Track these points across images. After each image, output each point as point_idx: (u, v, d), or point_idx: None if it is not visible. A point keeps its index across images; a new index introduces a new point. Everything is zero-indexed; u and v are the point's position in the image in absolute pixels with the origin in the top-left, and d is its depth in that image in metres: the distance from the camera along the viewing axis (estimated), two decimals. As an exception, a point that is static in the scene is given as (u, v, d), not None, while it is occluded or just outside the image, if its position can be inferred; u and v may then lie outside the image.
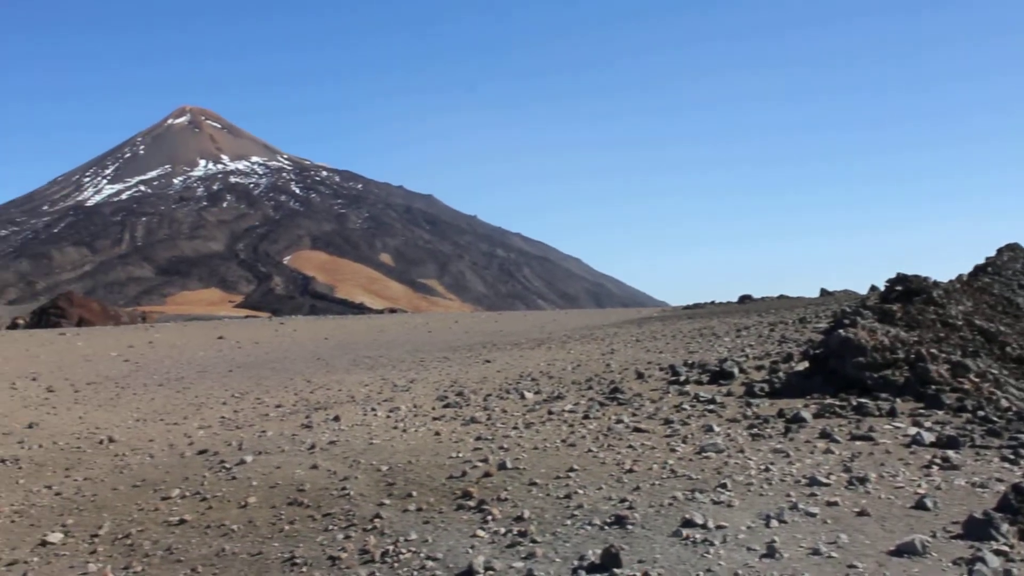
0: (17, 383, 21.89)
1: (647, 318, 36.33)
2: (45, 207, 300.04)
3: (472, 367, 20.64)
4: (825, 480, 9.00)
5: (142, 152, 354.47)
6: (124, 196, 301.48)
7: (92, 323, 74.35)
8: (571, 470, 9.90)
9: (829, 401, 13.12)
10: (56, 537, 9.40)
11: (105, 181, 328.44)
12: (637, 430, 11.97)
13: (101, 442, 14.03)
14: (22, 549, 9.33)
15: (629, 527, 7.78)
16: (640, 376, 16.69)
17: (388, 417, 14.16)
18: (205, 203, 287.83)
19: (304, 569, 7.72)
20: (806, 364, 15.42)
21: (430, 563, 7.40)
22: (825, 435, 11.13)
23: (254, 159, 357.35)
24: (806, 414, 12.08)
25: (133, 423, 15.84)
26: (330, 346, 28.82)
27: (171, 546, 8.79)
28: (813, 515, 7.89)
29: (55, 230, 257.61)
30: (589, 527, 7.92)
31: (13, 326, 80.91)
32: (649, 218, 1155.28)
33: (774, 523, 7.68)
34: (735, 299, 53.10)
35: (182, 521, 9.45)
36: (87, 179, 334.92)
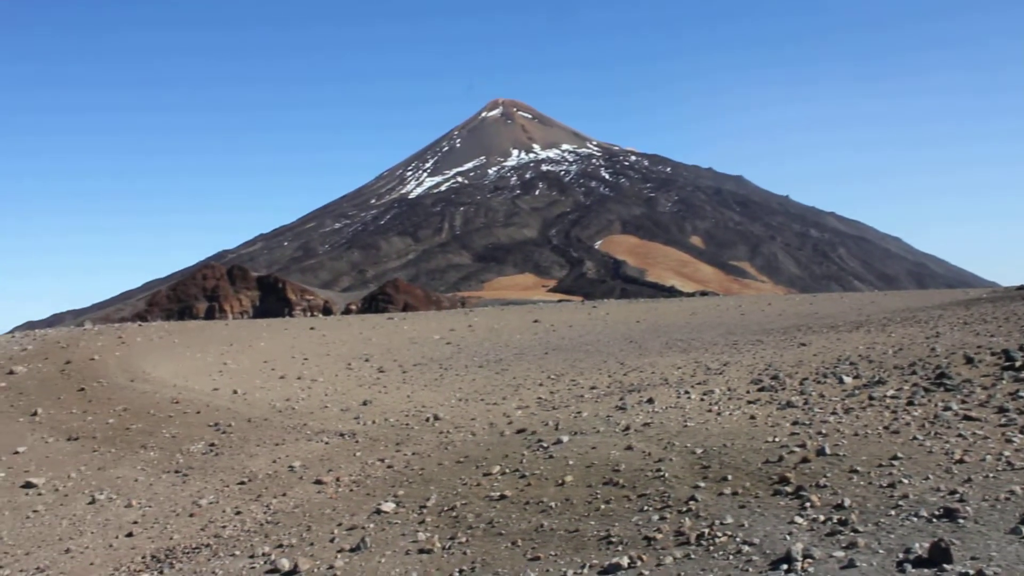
0: (352, 364, 23.52)
1: (975, 299, 34.02)
2: (373, 200, 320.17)
3: (787, 350, 20.10)
4: None
5: (458, 145, 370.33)
6: (443, 188, 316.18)
7: (416, 308, 78.71)
8: (894, 458, 9.43)
9: None
10: (389, 506, 10.05)
11: (425, 174, 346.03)
12: (967, 418, 11.22)
13: (427, 420, 14.83)
14: (360, 516, 10.04)
15: (960, 521, 7.32)
16: (969, 361, 15.63)
17: (702, 400, 14.07)
18: (518, 191, 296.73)
19: (620, 548, 7.82)
20: None
21: (746, 548, 7.30)
22: None
23: (564, 147, 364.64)
24: None
25: (456, 402, 16.61)
26: (642, 329, 28.98)
27: (493, 520, 9.17)
28: None
29: (382, 222, 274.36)
30: (915, 519, 7.52)
31: (347, 311, 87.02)
32: (977, 191, 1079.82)
33: None
34: (1079, 278, 48.61)
35: (503, 496, 9.83)
36: (409, 173, 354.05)
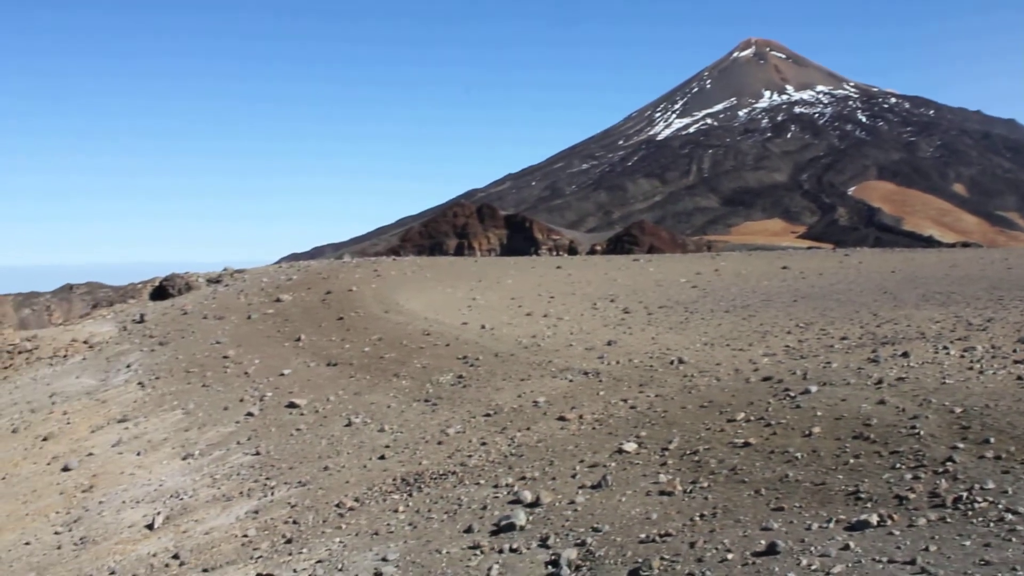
0: (598, 304, 23.67)
1: None
2: (620, 142, 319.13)
3: (1060, 308, 18.68)
4: None
5: (708, 86, 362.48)
6: (692, 130, 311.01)
7: (661, 250, 78.21)
8: None
9: None
10: (631, 447, 10.09)
11: (674, 116, 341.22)
12: None
13: (671, 362, 14.74)
14: (601, 454, 10.14)
15: None
16: None
17: (962, 357, 13.28)
18: (769, 134, 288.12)
19: (868, 505, 7.54)
20: None
21: (1010, 516, 6.87)
22: None
23: (819, 88, 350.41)
24: None
25: (701, 346, 16.43)
26: (897, 280, 27.66)
27: (736, 467, 9.04)
28: None
29: (629, 163, 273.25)
30: None
31: (592, 251, 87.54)
32: None
33: None
34: None
35: (746, 444, 9.66)
36: (658, 114, 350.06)
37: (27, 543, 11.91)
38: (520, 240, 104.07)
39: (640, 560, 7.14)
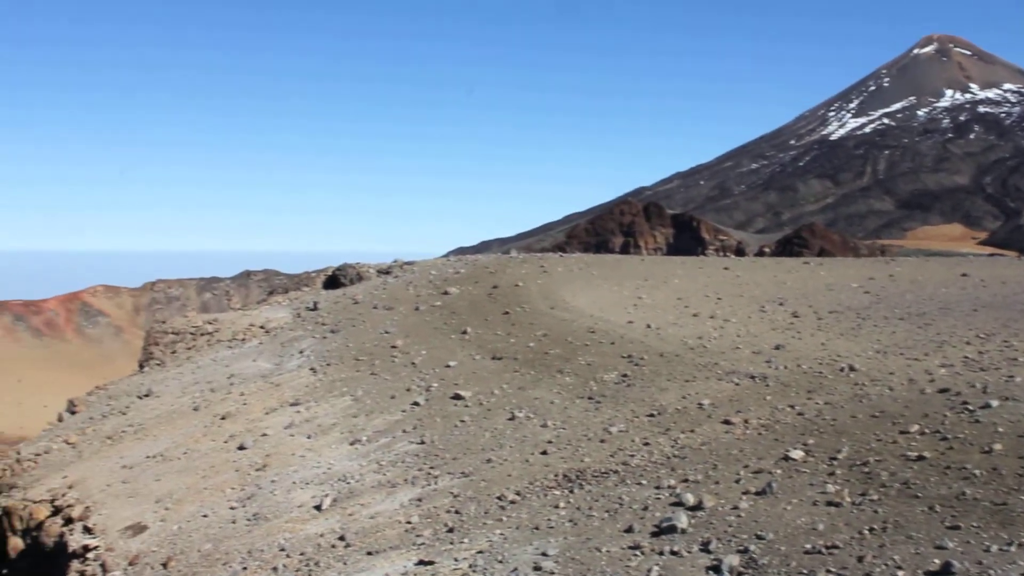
0: (766, 307, 23.19)
1: None
2: (792, 141, 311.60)
3: None
4: None
5: (886, 84, 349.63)
6: (867, 129, 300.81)
7: (832, 254, 76.10)
8: None
9: None
10: (798, 454, 9.86)
11: (849, 115, 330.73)
12: None
13: (842, 370, 14.32)
14: (767, 460, 9.95)
15: None
16: None
17: None
18: (950, 135, 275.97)
19: (1056, 528, 7.18)
20: None
21: None
22: None
23: (1006, 87, 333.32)
24: None
25: (873, 354, 15.91)
26: (1088, 291, 26.10)
27: (908, 481, 8.73)
28: None
29: (800, 163, 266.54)
30: None
31: (760, 253, 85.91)
32: None
33: None
34: None
35: (920, 457, 9.32)
36: (832, 113, 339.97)
37: (204, 515, 12.49)
38: (687, 240, 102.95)
39: (805, 571, 6.99)
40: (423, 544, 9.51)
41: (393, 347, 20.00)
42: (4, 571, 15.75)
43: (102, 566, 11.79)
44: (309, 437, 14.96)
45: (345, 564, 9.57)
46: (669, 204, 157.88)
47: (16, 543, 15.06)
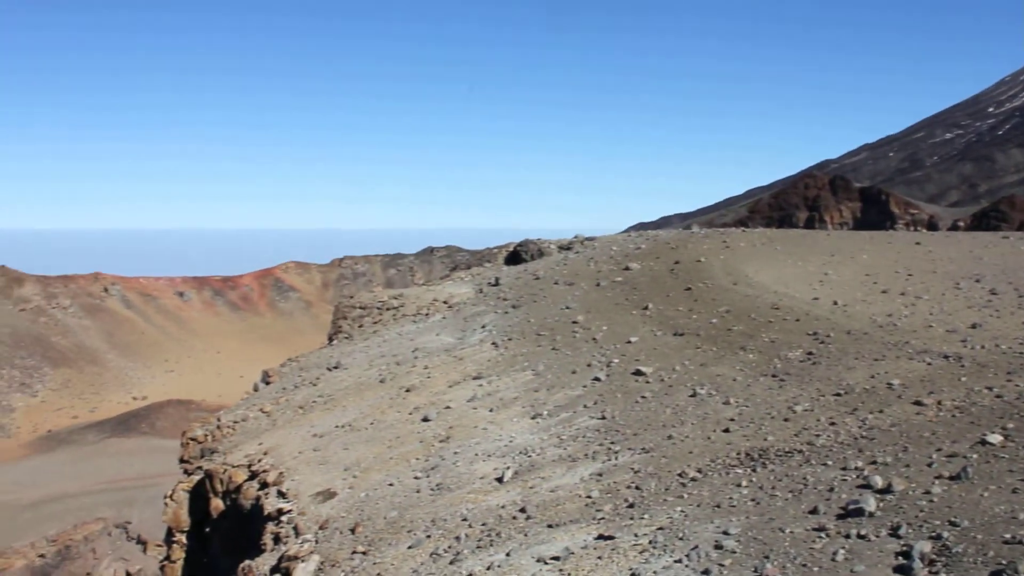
0: (961, 283, 22.17)
1: None
2: (991, 108, 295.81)
3: None
4: None
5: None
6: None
7: (1035, 228, 71.97)
8: None
9: None
10: (996, 439, 9.40)
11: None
12: None
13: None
14: (962, 444, 9.53)
15: None
16: None
17: None
18: None
19: None
20: None
21: None
22: None
23: None
24: None
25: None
26: None
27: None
28: None
29: (999, 132, 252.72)
30: None
31: (954, 227, 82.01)
32: None
33: None
34: None
35: None
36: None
37: (390, 484, 12.89)
38: (875, 214, 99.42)
39: (1004, 562, 6.68)
40: (603, 519, 9.55)
41: (574, 322, 20.11)
42: (206, 529, 16.70)
43: (295, 529, 12.33)
44: (491, 410, 15.22)
45: (526, 536, 9.70)
46: (856, 177, 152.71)
47: (217, 504, 15.92)
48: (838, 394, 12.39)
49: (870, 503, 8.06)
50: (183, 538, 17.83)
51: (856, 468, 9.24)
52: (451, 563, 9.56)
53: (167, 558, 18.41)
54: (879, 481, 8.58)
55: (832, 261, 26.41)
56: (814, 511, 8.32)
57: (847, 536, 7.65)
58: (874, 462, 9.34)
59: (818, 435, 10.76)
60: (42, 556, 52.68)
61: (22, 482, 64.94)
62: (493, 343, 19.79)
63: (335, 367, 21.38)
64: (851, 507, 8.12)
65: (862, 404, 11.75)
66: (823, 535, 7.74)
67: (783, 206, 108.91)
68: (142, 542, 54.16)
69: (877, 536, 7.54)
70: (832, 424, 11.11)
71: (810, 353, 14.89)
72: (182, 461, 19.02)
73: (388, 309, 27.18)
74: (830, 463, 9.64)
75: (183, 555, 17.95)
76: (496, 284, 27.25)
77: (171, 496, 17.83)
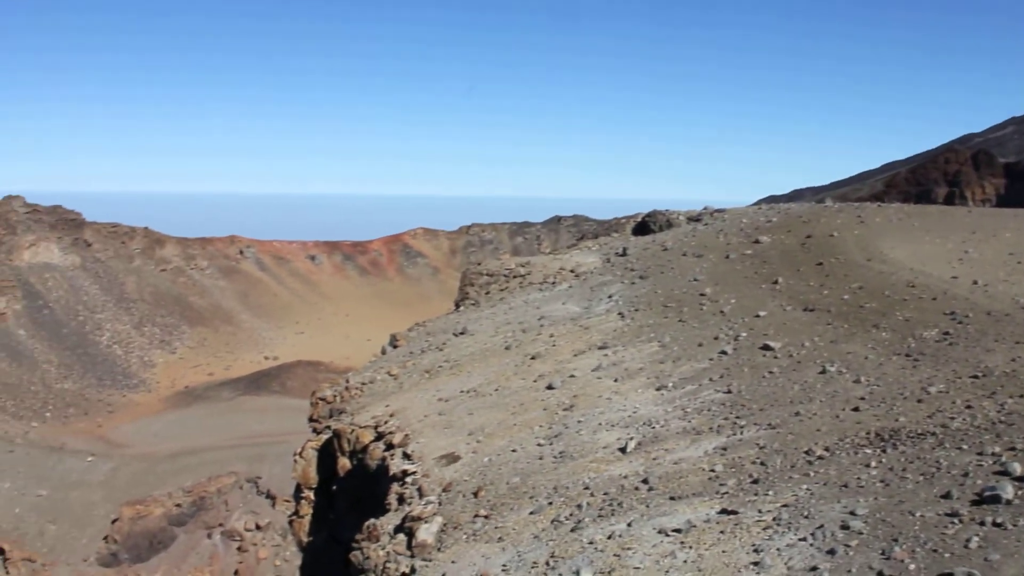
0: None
1: None
2: None
3: None
4: None
5: None
6: None
7: None
8: None
9: None
10: None
11: None
12: None
13: None
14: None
15: None
16: None
17: None
18: None
19: None
20: None
21: None
22: None
23: None
24: None
25: None
26: None
27: None
28: None
29: None
30: None
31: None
32: None
33: None
34: None
35: None
36: None
37: (513, 450, 13.01)
38: (1021, 191, 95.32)
39: None
40: (727, 493, 9.47)
41: (702, 295, 19.91)
42: (333, 487, 17.15)
43: (419, 490, 12.55)
44: (616, 380, 15.20)
45: (648, 507, 9.68)
46: (1001, 152, 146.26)
47: (344, 463, 16.32)
48: (975, 376, 11.97)
49: (1007, 490, 7.77)
50: (311, 495, 18.36)
51: (993, 454, 8.92)
52: (572, 531, 9.61)
53: (295, 513, 18.98)
54: (1018, 468, 8.26)
55: (973, 239, 25.48)
56: (947, 496, 8.07)
57: (981, 523, 7.41)
58: (1012, 448, 9.00)
59: (953, 418, 10.42)
60: (178, 506, 55.09)
61: (161, 435, 67.92)
62: (619, 313, 19.73)
63: (461, 333, 21.64)
64: (987, 494, 7.86)
65: (1001, 388, 11.32)
66: (956, 521, 7.51)
67: (921, 181, 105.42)
68: (271, 496, 56.10)
69: (1014, 525, 7.28)
70: (968, 407, 10.74)
71: (947, 333, 14.41)
72: (311, 420, 19.55)
73: (515, 277, 27.35)
74: (965, 447, 9.33)
75: (311, 511, 18.48)
76: (623, 254, 27.13)
77: (300, 454, 18.35)
